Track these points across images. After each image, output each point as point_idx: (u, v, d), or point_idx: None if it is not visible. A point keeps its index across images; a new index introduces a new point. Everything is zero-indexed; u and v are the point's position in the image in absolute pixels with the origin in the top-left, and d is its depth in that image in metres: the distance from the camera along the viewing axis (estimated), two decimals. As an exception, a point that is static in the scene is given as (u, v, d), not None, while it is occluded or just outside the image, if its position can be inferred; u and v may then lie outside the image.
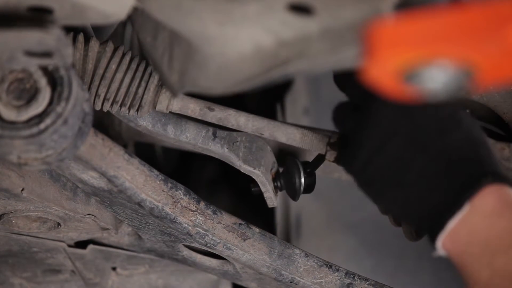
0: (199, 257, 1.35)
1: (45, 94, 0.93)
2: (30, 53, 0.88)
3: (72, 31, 1.10)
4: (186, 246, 1.32)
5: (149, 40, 1.05)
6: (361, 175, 0.98)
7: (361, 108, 0.97)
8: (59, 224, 1.30)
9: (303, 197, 1.24)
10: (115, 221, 1.33)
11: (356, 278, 1.28)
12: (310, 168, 1.21)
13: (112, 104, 1.12)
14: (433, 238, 0.91)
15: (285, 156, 1.34)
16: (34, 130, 0.93)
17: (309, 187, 1.22)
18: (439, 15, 0.68)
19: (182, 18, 0.91)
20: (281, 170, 1.26)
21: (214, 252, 1.27)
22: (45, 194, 1.22)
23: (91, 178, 1.14)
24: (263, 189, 1.23)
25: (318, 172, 1.24)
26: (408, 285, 1.99)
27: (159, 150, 1.90)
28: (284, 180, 1.24)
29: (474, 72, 0.70)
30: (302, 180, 1.21)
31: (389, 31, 0.69)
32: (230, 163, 1.22)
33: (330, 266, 1.28)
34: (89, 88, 1.10)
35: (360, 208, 2.03)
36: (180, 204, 1.20)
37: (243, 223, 1.26)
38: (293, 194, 1.22)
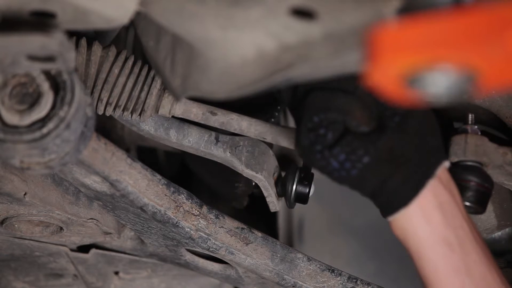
0: (202, 262, 1.35)
1: (48, 99, 0.93)
2: (33, 58, 0.88)
3: (75, 35, 1.10)
4: (188, 250, 1.32)
5: (151, 44, 1.05)
6: None
7: None
8: (61, 228, 1.30)
9: (305, 201, 1.24)
10: (117, 225, 1.33)
11: (358, 282, 1.28)
12: (306, 177, 1.20)
13: (114, 109, 1.12)
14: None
15: (288, 160, 1.34)
16: (37, 134, 0.93)
17: (301, 196, 1.21)
18: (442, 20, 0.68)
19: (185, 22, 0.91)
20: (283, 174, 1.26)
21: (217, 256, 1.27)
22: (47, 198, 1.22)
23: (94, 182, 1.14)
24: (265, 194, 1.23)
25: (321, 175, 1.24)
26: (410, 289, 1.98)
27: (162, 154, 1.89)
28: (281, 186, 1.23)
29: (476, 77, 0.70)
30: (294, 187, 1.20)
31: (391, 35, 0.69)
32: (232, 168, 1.22)
33: (333, 271, 1.28)
34: (92, 92, 1.11)
35: (363, 212, 2.03)
36: (183, 208, 1.20)
37: (245, 227, 1.25)
38: (287, 201, 1.22)
